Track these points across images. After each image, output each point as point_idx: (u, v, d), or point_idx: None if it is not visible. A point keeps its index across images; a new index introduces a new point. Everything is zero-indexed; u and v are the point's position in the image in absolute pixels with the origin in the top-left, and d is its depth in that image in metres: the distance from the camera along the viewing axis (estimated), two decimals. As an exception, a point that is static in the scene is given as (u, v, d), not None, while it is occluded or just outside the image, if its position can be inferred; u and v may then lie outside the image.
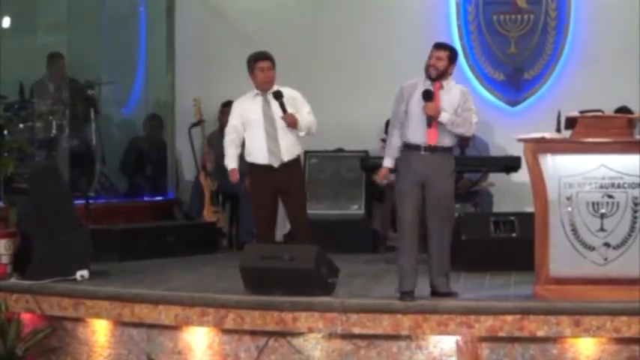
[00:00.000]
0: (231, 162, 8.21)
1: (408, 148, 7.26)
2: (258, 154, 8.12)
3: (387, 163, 7.38)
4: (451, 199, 7.31)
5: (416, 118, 7.23)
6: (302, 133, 8.15)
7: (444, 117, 7.18)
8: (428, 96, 7.19)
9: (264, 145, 8.08)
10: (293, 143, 8.14)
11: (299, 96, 8.20)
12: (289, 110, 8.08)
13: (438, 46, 7.32)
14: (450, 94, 7.27)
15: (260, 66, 8.14)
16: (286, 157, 8.09)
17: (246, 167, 9.97)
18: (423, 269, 7.35)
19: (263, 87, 8.14)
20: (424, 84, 7.27)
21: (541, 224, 7.11)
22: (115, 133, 11.40)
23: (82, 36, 10.74)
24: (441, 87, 7.26)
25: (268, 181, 8.07)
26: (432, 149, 7.20)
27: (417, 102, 7.23)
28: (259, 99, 8.16)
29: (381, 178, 7.50)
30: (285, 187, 8.08)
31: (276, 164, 8.07)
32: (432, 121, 7.16)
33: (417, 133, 7.22)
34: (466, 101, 7.31)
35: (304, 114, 8.13)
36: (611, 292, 6.94)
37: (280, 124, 8.08)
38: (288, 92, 8.16)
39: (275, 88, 8.15)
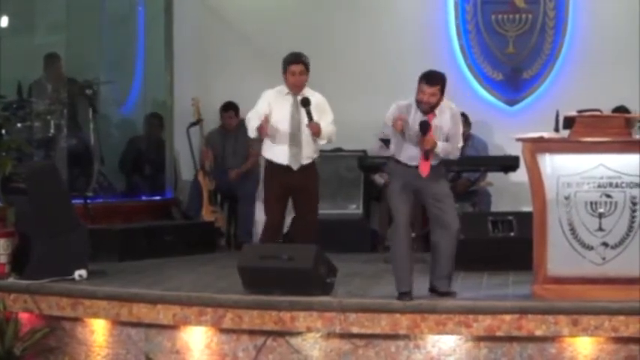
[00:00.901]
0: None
1: (398, 162, 7.25)
2: (279, 154, 8.12)
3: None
4: (449, 198, 7.29)
5: (409, 142, 7.18)
6: (323, 142, 8.16)
7: (439, 147, 7.16)
8: (425, 128, 7.11)
9: (287, 148, 8.09)
10: (313, 148, 8.17)
11: (324, 102, 8.23)
12: (315, 116, 8.09)
13: (430, 82, 7.12)
14: (442, 118, 7.20)
15: (292, 69, 8.13)
16: (305, 160, 8.13)
17: (246, 167, 10.12)
18: (423, 268, 7.36)
19: (293, 90, 8.15)
20: (415, 111, 7.16)
21: (539, 224, 7.11)
22: (114, 132, 11.41)
23: (80, 36, 10.75)
24: (434, 115, 7.19)
25: (283, 182, 8.11)
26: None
27: (411, 127, 7.15)
28: (290, 99, 8.16)
29: (399, 125, 7.11)
30: (299, 187, 8.11)
31: (295, 167, 8.10)
32: (429, 154, 7.13)
33: (410, 155, 7.18)
34: (455, 125, 7.27)
35: (327, 122, 8.15)
36: (610, 292, 6.94)
37: (306, 129, 8.10)
38: (315, 98, 8.18)
39: (306, 92, 8.15)
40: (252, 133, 8.15)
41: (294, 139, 8.10)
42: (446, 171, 7.51)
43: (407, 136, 7.15)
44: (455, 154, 7.33)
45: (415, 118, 7.17)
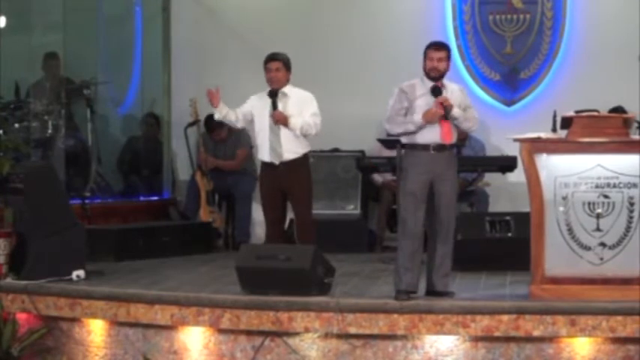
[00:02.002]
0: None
1: (415, 148, 7.19)
2: (263, 151, 8.23)
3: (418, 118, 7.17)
4: (454, 198, 7.32)
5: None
6: (297, 132, 8.16)
7: (456, 111, 7.18)
8: (438, 92, 7.16)
9: (267, 142, 8.16)
10: (295, 142, 8.17)
11: (308, 98, 8.26)
12: (292, 109, 8.14)
13: (438, 47, 7.25)
14: (452, 94, 7.26)
15: (268, 67, 8.26)
16: (287, 155, 8.14)
17: (227, 165, 10.32)
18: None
19: (270, 87, 8.24)
20: (423, 84, 7.24)
21: (537, 224, 7.11)
22: (111, 132, 11.40)
23: (78, 36, 10.74)
24: (443, 86, 7.24)
25: (271, 179, 8.18)
26: (440, 148, 7.16)
27: (422, 102, 7.17)
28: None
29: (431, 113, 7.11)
30: (287, 186, 8.14)
31: (276, 161, 8.12)
32: (448, 115, 7.13)
33: (426, 133, 7.16)
34: (465, 98, 7.35)
35: (306, 115, 8.17)
36: (607, 292, 6.95)
37: None
38: (297, 93, 8.24)
39: (288, 88, 8.21)
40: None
41: (273, 134, 8.14)
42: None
43: (419, 114, 7.14)
44: (473, 124, 7.35)
45: (422, 93, 7.18)
